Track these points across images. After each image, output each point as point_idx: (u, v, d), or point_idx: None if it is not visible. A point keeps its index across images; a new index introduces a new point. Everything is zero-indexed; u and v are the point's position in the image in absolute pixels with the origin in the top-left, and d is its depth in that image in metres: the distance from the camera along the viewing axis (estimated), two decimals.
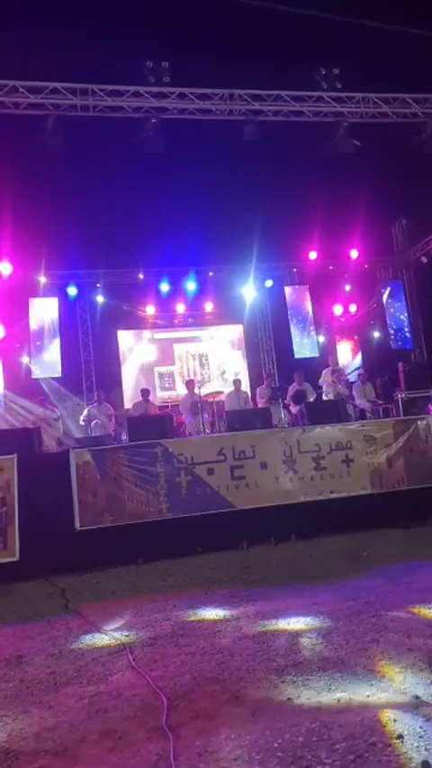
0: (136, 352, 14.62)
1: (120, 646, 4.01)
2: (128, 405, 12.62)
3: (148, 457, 6.93)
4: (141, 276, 14.23)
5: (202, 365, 14.73)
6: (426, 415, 7.97)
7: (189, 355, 14.80)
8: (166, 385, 14.47)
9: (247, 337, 15.23)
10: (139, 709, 2.98)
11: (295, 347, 14.41)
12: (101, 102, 9.47)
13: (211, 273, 14.39)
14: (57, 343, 13.14)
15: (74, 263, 13.42)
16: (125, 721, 2.85)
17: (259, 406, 10.19)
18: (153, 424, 7.81)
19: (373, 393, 10.96)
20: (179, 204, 11.60)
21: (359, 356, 15.51)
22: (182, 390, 12.98)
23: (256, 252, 13.42)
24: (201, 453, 7.10)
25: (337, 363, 12.58)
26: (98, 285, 13.85)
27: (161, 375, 14.53)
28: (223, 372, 14.60)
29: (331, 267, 15.04)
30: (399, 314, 15.15)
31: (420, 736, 2.41)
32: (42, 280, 13.36)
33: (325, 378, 11.22)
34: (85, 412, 10.86)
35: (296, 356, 14.29)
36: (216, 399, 11.10)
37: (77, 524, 6.58)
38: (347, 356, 15.53)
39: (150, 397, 11.06)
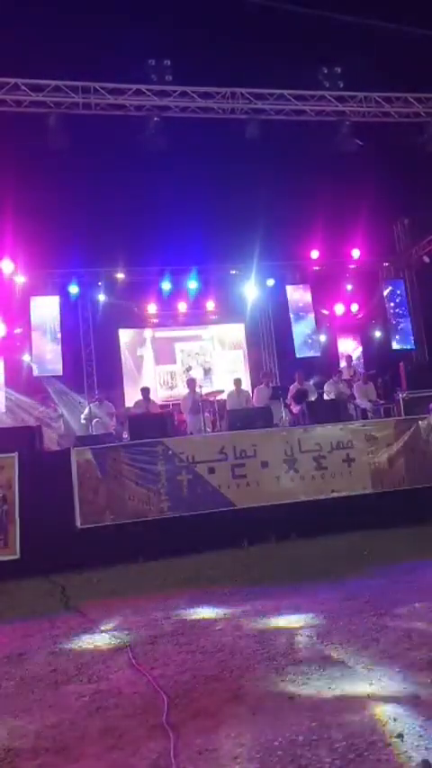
0: (137, 350, 14.62)
1: (120, 644, 4.02)
2: (129, 403, 12.62)
3: (150, 455, 6.94)
4: (142, 275, 14.24)
5: (202, 364, 14.70)
6: (427, 415, 7.96)
7: (190, 354, 14.79)
8: (167, 384, 14.47)
9: (248, 336, 15.21)
10: (139, 707, 2.99)
11: (296, 346, 14.40)
12: (103, 101, 9.47)
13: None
14: (58, 341, 13.15)
15: (75, 262, 13.42)
16: (125, 719, 2.86)
17: (259, 405, 10.17)
18: (154, 423, 7.82)
19: (375, 393, 10.94)
20: (181, 203, 11.60)
21: (358, 352, 15.47)
22: (183, 389, 12.97)
23: (257, 250, 13.41)
24: (202, 452, 7.11)
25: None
26: (99, 284, 13.85)
27: (162, 374, 14.52)
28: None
29: (333, 266, 15.02)
30: (400, 313, 15.13)
31: (420, 736, 2.41)
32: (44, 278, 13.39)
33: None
34: (87, 410, 10.87)
35: (297, 355, 14.27)
36: (217, 398, 11.08)
37: (78, 522, 6.59)
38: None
39: (151, 396, 11.07)
